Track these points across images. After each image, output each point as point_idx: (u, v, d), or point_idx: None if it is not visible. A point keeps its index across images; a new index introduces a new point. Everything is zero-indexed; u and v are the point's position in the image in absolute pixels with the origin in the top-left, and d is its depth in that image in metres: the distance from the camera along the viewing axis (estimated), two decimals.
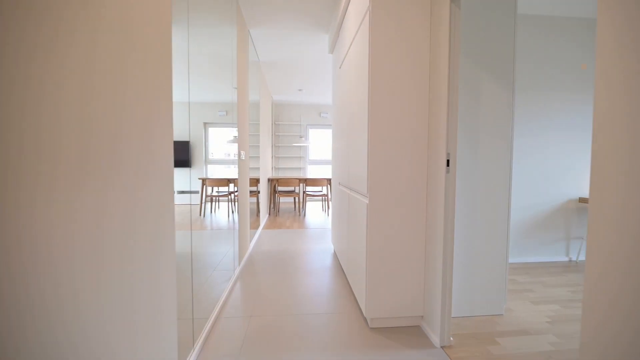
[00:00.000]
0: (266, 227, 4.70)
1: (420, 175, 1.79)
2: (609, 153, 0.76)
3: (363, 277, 1.86)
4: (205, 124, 2.10)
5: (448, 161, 1.58)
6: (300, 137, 6.42)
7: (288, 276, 2.68)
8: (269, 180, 5.76)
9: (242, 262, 2.90)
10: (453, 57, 1.56)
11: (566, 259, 3.22)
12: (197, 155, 1.92)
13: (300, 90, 6.17)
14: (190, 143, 1.74)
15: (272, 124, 7.41)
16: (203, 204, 2.30)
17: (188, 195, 1.76)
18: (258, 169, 4.38)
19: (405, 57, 1.75)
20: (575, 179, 3.19)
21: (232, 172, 2.79)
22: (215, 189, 2.50)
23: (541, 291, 2.41)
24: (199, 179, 2.05)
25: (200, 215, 2.25)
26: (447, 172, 1.59)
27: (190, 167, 1.75)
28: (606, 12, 0.76)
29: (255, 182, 4.17)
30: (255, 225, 4.19)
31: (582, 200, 3.09)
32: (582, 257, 3.25)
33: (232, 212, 2.74)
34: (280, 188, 6.85)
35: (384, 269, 1.81)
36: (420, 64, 1.76)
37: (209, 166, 2.32)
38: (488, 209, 1.97)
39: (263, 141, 5.00)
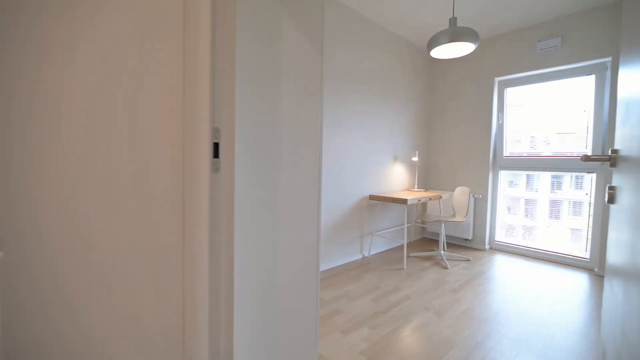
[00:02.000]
0: None
1: (169, 182, 0.85)
2: None
3: None
4: None
5: (217, 147, 0.73)
6: None
7: None
8: None
9: None
10: None
11: (360, 256, 3.25)
12: None
13: None
14: None
15: None
16: None
17: None
18: None
19: None
20: (367, 175, 3.26)
21: None
22: None
23: (348, 309, 2.07)
24: None
25: None
26: (216, 169, 0.73)
27: None
28: None
29: None
30: None
31: (373, 197, 3.18)
32: (372, 252, 3.39)
33: None
34: None
35: None
36: None
37: None
38: (295, 218, 1.31)
39: None
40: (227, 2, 0.79)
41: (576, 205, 3.09)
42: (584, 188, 3.04)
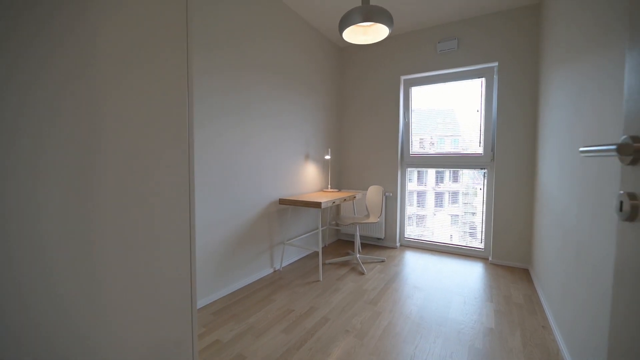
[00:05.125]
0: None
1: None
2: None
3: None
4: None
5: None
6: None
7: None
8: None
9: None
10: None
11: (271, 270, 2.80)
12: None
13: None
14: None
15: None
16: None
17: None
18: None
19: None
20: (276, 177, 2.82)
21: None
22: None
23: (253, 351, 1.60)
24: None
25: None
26: None
27: None
28: None
29: None
30: None
31: (283, 201, 2.77)
32: (285, 263, 2.98)
33: None
34: None
35: None
36: None
37: None
38: (136, 246, 0.79)
39: None
40: None
41: (454, 195, 3.32)
42: (461, 182, 3.27)
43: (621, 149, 0.44)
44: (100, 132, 0.72)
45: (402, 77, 3.51)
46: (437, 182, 3.53)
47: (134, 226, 0.81)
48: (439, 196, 3.52)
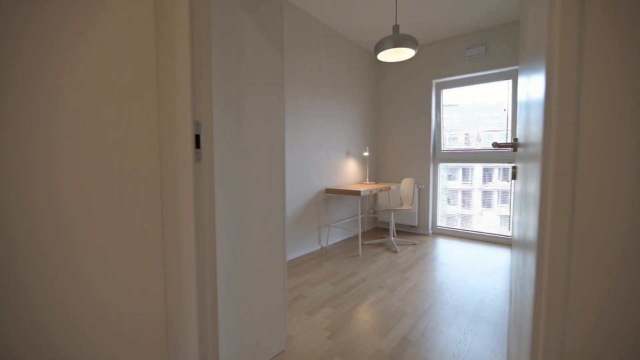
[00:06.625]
0: None
1: (144, 172, 0.89)
2: None
3: None
4: None
5: (199, 138, 0.80)
6: None
7: None
8: None
9: None
10: None
11: (319, 247, 3.41)
12: None
13: None
14: None
15: None
16: None
17: None
18: None
19: None
20: (322, 171, 3.43)
21: None
22: None
23: (311, 294, 2.21)
24: None
25: None
26: (198, 159, 0.81)
27: None
28: None
29: None
30: None
31: (329, 190, 3.36)
32: (330, 242, 3.58)
33: None
34: None
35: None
36: None
37: None
38: (262, 209, 1.40)
39: None
40: (202, 5, 0.85)
41: (504, 194, 3.62)
42: (509, 179, 3.57)
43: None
44: (248, 154, 1.35)
45: (434, 81, 3.91)
46: (484, 180, 3.72)
47: (262, 208, 1.42)
48: (486, 195, 3.71)
